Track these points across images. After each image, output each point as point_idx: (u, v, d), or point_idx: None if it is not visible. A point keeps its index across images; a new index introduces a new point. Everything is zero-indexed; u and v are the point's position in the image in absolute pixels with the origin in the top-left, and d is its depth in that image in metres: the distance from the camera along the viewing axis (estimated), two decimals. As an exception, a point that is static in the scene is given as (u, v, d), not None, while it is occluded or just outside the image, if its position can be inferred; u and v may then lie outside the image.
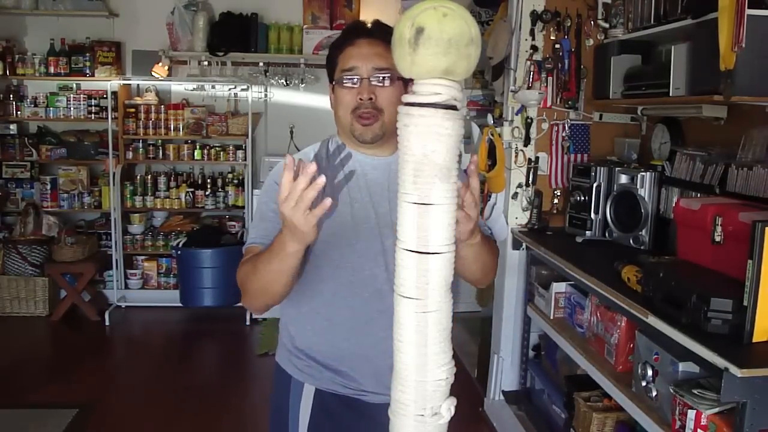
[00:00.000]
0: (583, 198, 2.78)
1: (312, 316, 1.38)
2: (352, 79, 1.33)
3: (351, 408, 1.39)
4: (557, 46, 3.00)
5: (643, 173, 2.59)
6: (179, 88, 4.92)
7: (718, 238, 1.88)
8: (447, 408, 0.88)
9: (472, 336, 3.91)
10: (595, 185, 2.73)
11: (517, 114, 3.05)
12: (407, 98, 0.86)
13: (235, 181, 4.90)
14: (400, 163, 0.87)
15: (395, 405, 0.90)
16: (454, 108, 0.85)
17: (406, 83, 1.06)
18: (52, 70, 4.68)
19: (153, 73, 4.67)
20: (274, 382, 1.51)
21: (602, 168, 2.74)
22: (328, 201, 1.02)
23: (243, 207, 4.80)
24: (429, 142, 0.83)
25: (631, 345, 2.12)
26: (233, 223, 4.92)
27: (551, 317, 2.72)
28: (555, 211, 3.11)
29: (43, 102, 4.74)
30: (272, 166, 5.40)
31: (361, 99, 1.31)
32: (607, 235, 2.73)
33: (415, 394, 0.88)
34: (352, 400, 1.39)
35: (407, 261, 0.87)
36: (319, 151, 1.46)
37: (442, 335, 0.88)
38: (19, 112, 4.73)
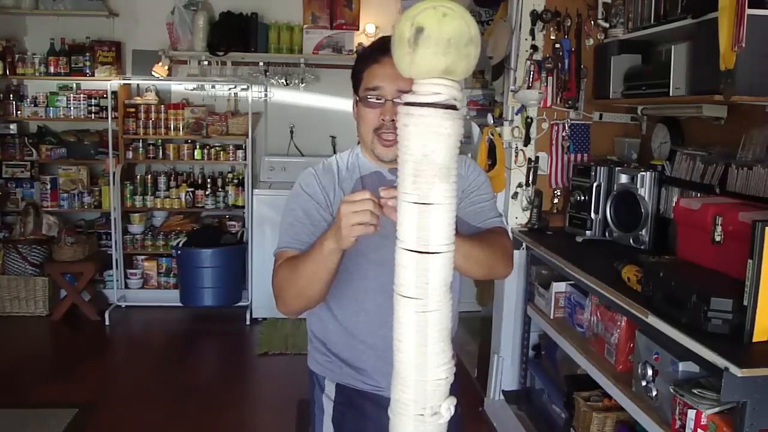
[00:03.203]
0: (583, 198, 2.78)
1: (331, 318, 1.45)
2: (376, 98, 1.32)
3: (371, 400, 1.45)
4: (557, 45, 3.00)
5: (643, 173, 2.59)
6: (179, 87, 4.93)
7: (718, 238, 1.88)
8: (447, 407, 0.88)
9: (472, 336, 3.91)
10: (595, 185, 2.73)
11: (517, 114, 3.05)
12: (407, 98, 0.86)
13: (235, 181, 4.90)
14: (399, 162, 0.87)
15: (395, 404, 0.90)
16: (453, 108, 0.85)
17: None
18: (52, 69, 4.68)
19: (153, 73, 4.67)
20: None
21: (602, 168, 2.74)
22: (371, 229, 1.05)
23: (243, 207, 4.80)
24: (429, 142, 0.83)
25: (631, 345, 2.12)
26: (233, 222, 4.92)
27: (551, 317, 2.72)
28: (555, 211, 3.11)
29: (43, 102, 4.74)
30: (273, 167, 5.34)
31: (383, 120, 1.31)
32: (607, 234, 2.73)
33: (414, 394, 0.88)
34: (373, 395, 1.44)
35: (407, 261, 0.87)
36: (342, 163, 1.47)
37: (441, 335, 0.88)
38: (19, 112, 4.73)
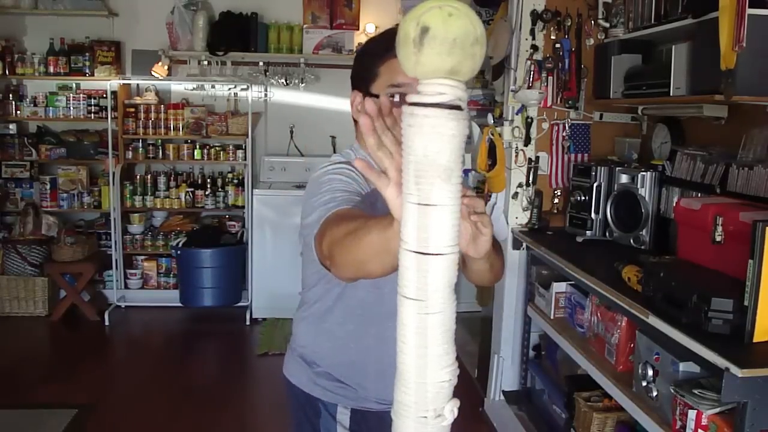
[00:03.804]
0: (583, 198, 2.78)
1: (332, 336, 1.37)
2: (401, 95, 1.20)
3: (386, 420, 1.37)
4: (557, 45, 3.00)
5: (643, 173, 2.59)
6: (179, 87, 4.92)
7: (718, 238, 1.88)
8: (450, 409, 0.88)
9: (472, 336, 3.91)
10: (595, 185, 2.73)
11: (517, 114, 3.04)
12: (411, 98, 0.86)
13: (235, 181, 4.90)
14: (403, 163, 0.86)
15: (398, 406, 0.90)
16: (458, 108, 0.84)
17: None
18: (51, 69, 4.67)
19: (153, 73, 4.67)
20: (293, 409, 1.48)
21: (602, 168, 2.74)
22: None
23: (243, 207, 4.80)
24: (432, 143, 0.83)
25: (632, 345, 2.12)
26: (233, 223, 4.92)
27: (551, 317, 2.72)
28: (555, 211, 3.11)
29: (43, 102, 4.73)
30: (273, 167, 5.33)
31: None
32: (607, 234, 2.73)
33: (417, 396, 0.87)
34: (387, 413, 1.37)
35: (409, 262, 0.87)
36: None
37: (444, 337, 0.87)
38: (18, 112, 4.73)
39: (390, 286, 1.21)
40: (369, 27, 4.80)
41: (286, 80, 4.85)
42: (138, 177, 4.86)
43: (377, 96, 1.21)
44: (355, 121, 1.33)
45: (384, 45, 1.21)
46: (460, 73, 0.84)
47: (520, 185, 3.09)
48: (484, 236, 1.01)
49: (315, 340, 1.42)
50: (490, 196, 3.15)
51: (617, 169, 2.71)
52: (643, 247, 2.55)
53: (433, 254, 0.83)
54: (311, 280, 1.38)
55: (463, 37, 0.82)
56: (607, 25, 2.87)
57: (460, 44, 0.82)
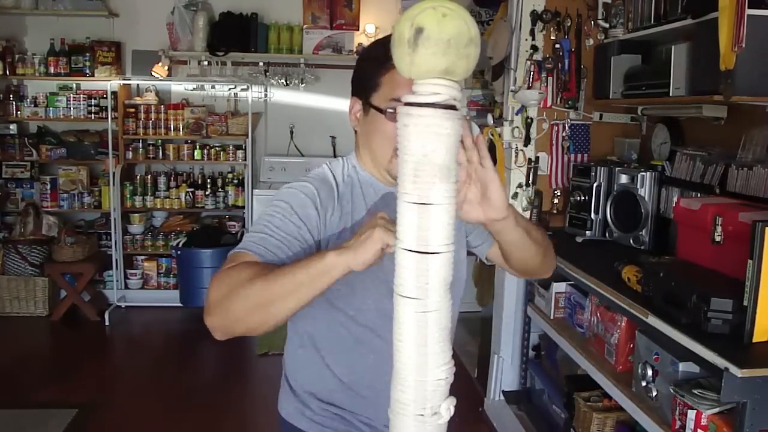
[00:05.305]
0: (583, 198, 2.78)
1: (330, 372, 1.27)
2: None
3: None
4: (557, 46, 3.00)
5: (643, 173, 2.59)
6: (179, 88, 4.93)
7: (718, 238, 1.88)
8: (446, 407, 0.88)
9: (472, 336, 3.91)
10: (595, 185, 2.73)
11: (517, 114, 3.05)
12: (407, 98, 0.87)
13: (235, 181, 4.90)
14: (399, 163, 0.87)
15: (395, 404, 0.90)
16: (453, 108, 0.85)
17: None
18: (52, 70, 4.68)
19: (153, 73, 4.67)
20: None
21: (602, 168, 2.74)
22: (389, 251, 0.93)
23: (243, 207, 4.80)
24: (428, 142, 0.84)
25: (631, 345, 2.12)
26: (233, 223, 4.92)
27: (551, 317, 2.72)
28: (555, 211, 3.11)
29: (43, 102, 4.74)
30: (273, 167, 5.31)
31: None
32: (607, 235, 2.73)
33: (414, 394, 0.88)
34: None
35: (406, 261, 0.87)
36: (338, 175, 1.25)
37: (441, 335, 0.88)
38: (19, 112, 4.73)
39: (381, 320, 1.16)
40: (369, 27, 4.81)
41: (286, 80, 4.86)
42: (138, 177, 4.86)
43: (378, 108, 1.16)
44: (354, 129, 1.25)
45: (386, 52, 1.06)
46: (455, 73, 0.85)
47: (519, 185, 3.09)
48: (493, 183, 0.97)
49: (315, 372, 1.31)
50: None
51: (617, 169, 2.71)
52: (642, 248, 2.56)
53: (432, 253, 0.84)
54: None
55: (458, 38, 0.82)
56: (607, 25, 2.87)
57: (454, 45, 0.82)
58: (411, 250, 0.85)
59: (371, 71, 1.18)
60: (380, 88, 1.16)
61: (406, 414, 0.87)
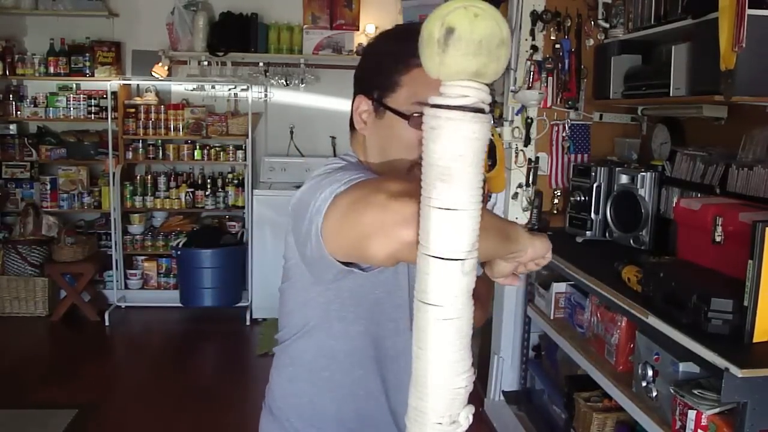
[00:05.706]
0: (583, 198, 2.78)
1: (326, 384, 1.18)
2: None
3: None
4: (557, 46, 3.00)
5: (643, 173, 2.59)
6: (179, 88, 4.92)
7: (718, 238, 1.88)
8: (465, 416, 0.87)
9: (472, 336, 3.90)
10: (595, 185, 2.73)
11: (517, 114, 3.05)
12: (434, 100, 0.84)
13: (235, 182, 4.90)
14: (424, 166, 0.84)
15: (413, 412, 0.89)
16: (482, 111, 0.83)
17: None
18: (51, 70, 4.67)
19: (153, 73, 4.67)
20: None
21: (602, 168, 2.74)
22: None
23: (243, 207, 4.80)
24: (456, 146, 0.81)
25: (632, 345, 2.12)
26: (233, 223, 4.92)
27: (551, 317, 2.72)
28: (555, 211, 3.11)
29: (43, 102, 4.73)
30: (273, 167, 5.32)
31: None
32: (607, 235, 2.73)
33: (433, 402, 0.86)
34: None
35: (429, 267, 0.85)
36: None
37: (462, 343, 0.86)
38: (18, 112, 4.73)
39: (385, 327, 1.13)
40: (369, 27, 4.80)
41: (286, 81, 4.85)
42: (138, 177, 4.86)
43: (397, 112, 1.03)
44: (352, 125, 1.13)
45: (407, 48, 0.93)
46: (485, 75, 0.83)
47: (520, 186, 3.09)
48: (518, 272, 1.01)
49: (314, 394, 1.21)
50: (490, 196, 3.14)
51: (617, 169, 2.71)
52: (642, 248, 2.55)
53: (455, 259, 0.83)
54: (297, 317, 1.18)
55: (489, 39, 0.80)
56: (607, 25, 2.87)
57: (486, 46, 0.80)
58: (435, 257, 0.84)
59: (387, 68, 1.05)
60: (399, 89, 1.04)
61: (424, 422, 0.86)
